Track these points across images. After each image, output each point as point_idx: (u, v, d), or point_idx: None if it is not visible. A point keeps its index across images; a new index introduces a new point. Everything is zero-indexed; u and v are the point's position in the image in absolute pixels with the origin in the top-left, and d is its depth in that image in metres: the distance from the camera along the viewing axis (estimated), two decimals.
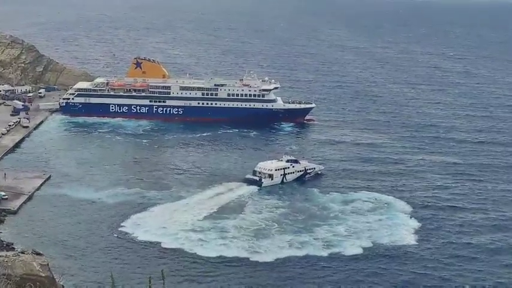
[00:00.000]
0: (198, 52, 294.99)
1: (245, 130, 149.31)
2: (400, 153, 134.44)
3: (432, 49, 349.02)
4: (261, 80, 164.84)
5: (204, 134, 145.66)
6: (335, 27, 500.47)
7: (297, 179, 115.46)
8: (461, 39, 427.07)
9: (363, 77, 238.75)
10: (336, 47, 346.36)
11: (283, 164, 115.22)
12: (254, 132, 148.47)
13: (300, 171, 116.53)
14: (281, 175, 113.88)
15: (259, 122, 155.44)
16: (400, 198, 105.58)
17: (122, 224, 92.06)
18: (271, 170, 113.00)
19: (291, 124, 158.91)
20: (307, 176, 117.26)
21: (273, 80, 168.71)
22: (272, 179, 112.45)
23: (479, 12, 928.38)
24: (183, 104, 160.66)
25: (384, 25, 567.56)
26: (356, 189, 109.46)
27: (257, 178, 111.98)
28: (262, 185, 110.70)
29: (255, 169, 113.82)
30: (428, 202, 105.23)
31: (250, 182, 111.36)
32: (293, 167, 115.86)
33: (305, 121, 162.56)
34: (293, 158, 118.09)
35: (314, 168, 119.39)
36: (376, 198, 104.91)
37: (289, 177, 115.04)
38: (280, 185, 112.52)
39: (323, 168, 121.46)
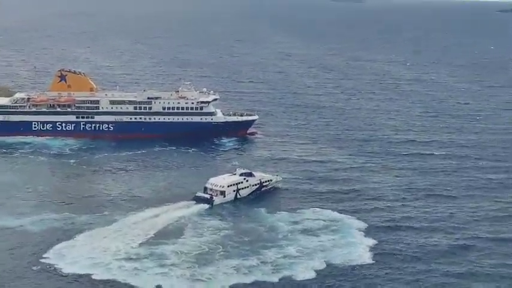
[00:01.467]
0: (130, 62, 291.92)
1: (183, 147, 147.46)
2: (351, 168, 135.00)
3: (381, 55, 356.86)
4: (198, 92, 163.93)
5: (139, 152, 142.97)
6: (278, 33, 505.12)
7: (253, 194, 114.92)
8: (412, 44, 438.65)
9: (309, 86, 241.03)
10: (280, 54, 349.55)
11: (236, 178, 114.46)
12: (193, 149, 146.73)
13: (255, 184, 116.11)
14: (234, 191, 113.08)
15: (198, 137, 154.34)
16: (353, 215, 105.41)
17: (44, 256, 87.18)
18: (223, 186, 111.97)
19: (233, 138, 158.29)
20: (264, 189, 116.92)
21: (211, 91, 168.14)
22: (224, 196, 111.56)
23: (430, 12, 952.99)
24: (114, 120, 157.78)
25: (330, 30, 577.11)
26: (306, 207, 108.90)
27: (208, 196, 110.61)
28: (214, 203, 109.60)
29: (206, 186, 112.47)
30: (384, 219, 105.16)
31: (200, 200, 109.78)
32: (247, 180, 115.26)
33: (248, 134, 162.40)
34: (247, 170, 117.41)
35: (271, 180, 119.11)
36: (328, 216, 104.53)
37: (244, 192, 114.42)
38: (233, 202, 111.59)
39: (281, 179, 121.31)
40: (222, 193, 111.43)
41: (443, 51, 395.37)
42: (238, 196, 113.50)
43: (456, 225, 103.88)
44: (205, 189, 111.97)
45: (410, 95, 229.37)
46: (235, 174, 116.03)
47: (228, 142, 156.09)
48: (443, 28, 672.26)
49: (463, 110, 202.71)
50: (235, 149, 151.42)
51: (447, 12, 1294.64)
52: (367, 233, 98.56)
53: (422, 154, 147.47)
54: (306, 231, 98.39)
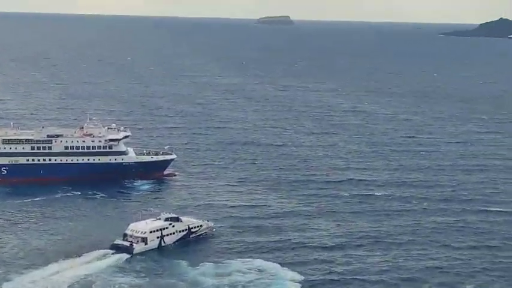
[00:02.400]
0: (26, 95, 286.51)
1: (90, 192, 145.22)
2: (284, 212, 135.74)
3: (314, 83, 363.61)
4: (106, 128, 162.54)
5: (37, 199, 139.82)
6: (198, 60, 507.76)
7: (180, 241, 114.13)
8: (347, 70, 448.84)
9: (234, 120, 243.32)
10: (201, 84, 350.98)
11: (160, 223, 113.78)
12: (101, 194, 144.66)
13: (183, 230, 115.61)
14: (158, 237, 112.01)
15: (107, 180, 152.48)
16: (287, 266, 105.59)
17: None
18: (144, 232, 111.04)
19: (148, 181, 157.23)
20: (193, 236, 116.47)
21: (122, 127, 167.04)
22: (146, 243, 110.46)
23: (367, 34, 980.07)
24: (7, 162, 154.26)
25: (257, 56, 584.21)
26: (234, 258, 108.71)
27: (127, 244, 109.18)
28: (134, 252, 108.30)
29: (126, 232, 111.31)
30: (322, 270, 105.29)
31: (117, 249, 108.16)
32: (173, 226, 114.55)
33: (165, 176, 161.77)
34: (173, 215, 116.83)
35: (201, 225, 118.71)
36: (258, 267, 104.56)
37: (169, 239, 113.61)
38: (157, 250, 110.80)
39: (213, 224, 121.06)
40: (144, 240, 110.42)
41: (383, 79, 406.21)
42: (163, 244, 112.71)
43: (404, 276, 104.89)
44: (124, 236, 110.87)
45: (348, 127, 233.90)
46: (159, 218, 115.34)
47: (142, 185, 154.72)
48: (381, 52, 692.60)
49: (406, 145, 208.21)
50: (150, 193, 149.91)
51: (386, 34, 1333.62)
52: (304, 286, 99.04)
53: (363, 195, 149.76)
54: (233, 286, 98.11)
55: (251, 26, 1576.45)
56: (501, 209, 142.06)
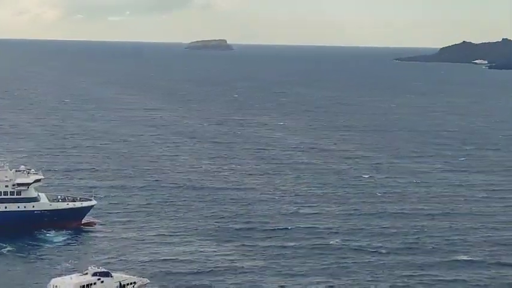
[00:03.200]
0: None
1: None
2: (222, 266, 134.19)
3: (257, 117, 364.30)
4: (14, 171, 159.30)
5: None
6: (126, 90, 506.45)
7: None
8: (293, 102, 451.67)
9: (165, 158, 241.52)
10: (126, 117, 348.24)
11: (87, 278, 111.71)
12: (9, 248, 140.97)
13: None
14: None
15: (15, 231, 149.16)
16: None
17: None
18: None
19: (63, 231, 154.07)
20: None
21: (33, 170, 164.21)
22: None
23: (314, 59, 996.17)
24: None
25: (190, 86, 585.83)
26: None
27: None
28: None
29: None
30: None
31: None
32: (102, 282, 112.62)
33: (83, 225, 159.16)
34: (102, 269, 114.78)
35: (134, 282, 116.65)
36: None
37: None
38: None
39: (148, 281, 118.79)
40: None
41: (333, 110, 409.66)
42: None
43: None
44: None
45: (296, 166, 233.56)
46: (86, 273, 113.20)
47: (57, 237, 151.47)
48: (330, 80, 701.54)
49: (362, 186, 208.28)
50: (66, 245, 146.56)
51: (334, 59, 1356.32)
52: None
53: (314, 245, 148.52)
54: None
55: (181, 51, 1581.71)
56: (469, 258, 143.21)
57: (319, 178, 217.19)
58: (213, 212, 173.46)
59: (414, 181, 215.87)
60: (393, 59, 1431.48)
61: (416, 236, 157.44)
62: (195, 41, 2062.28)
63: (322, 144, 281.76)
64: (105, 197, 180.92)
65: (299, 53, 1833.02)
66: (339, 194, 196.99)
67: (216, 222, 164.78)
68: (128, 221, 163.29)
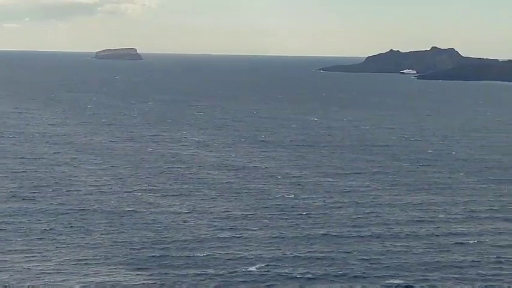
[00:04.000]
0: None
1: None
2: None
3: (171, 132, 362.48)
4: None
5: None
6: (18, 103, 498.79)
7: None
8: (211, 114, 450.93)
9: (72, 180, 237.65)
10: (27, 134, 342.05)
11: None
12: None
13: None
14: None
15: None
16: None
17: None
18: None
19: None
20: None
21: None
22: None
23: (227, 70, 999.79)
24: None
25: (98, 98, 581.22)
26: None
27: None
28: None
29: None
30: None
31: None
32: None
33: None
34: None
35: None
36: None
37: None
38: None
39: None
40: None
41: (255, 124, 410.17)
42: None
43: None
44: None
45: (216, 186, 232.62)
46: None
47: None
48: (251, 90, 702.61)
49: (288, 208, 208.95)
50: None
51: (257, 69, 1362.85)
52: None
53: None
54: None
55: (87, 61, 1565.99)
56: (402, 282, 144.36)
57: (240, 199, 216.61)
58: (124, 238, 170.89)
59: (342, 200, 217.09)
60: (317, 69, 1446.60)
61: (345, 260, 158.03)
62: (102, 50, 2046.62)
63: (242, 162, 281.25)
64: (1, 222, 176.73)
65: (216, 63, 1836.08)
66: (260, 215, 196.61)
67: (127, 248, 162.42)
68: (29, 249, 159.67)
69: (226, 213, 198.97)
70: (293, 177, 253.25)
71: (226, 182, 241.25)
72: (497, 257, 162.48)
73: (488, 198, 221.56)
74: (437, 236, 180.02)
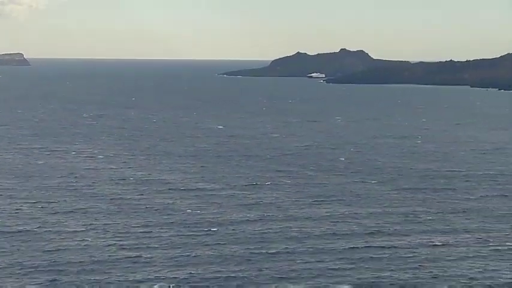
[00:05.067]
0: None
1: None
2: None
3: (61, 144, 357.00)
4: None
5: None
6: None
7: None
8: (105, 125, 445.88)
9: None
10: None
11: None
12: None
13: None
14: None
15: None
16: None
17: None
18: None
19: None
20: None
21: None
22: None
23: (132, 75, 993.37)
24: None
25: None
26: None
27: None
28: None
29: None
30: None
31: None
32: None
33: None
34: None
35: None
36: None
37: None
38: None
39: None
40: None
41: (155, 136, 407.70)
42: None
43: None
44: None
45: (111, 202, 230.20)
46: None
47: None
48: (153, 99, 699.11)
49: (193, 225, 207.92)
50: None
51: (157, 74, 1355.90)
52: None
53: None
54: None
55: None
56: None
57: (140, 216, 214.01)
58: (13, 260, 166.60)
59: (249, 215, 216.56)
60: (220, 74, 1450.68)
61: (256, 279, 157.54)
62: None
63: (143, 174, 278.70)
64: None
65: (113, 68, 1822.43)
66: (163, 232, 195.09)
67: (17, 272, 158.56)
68: None
69: (126, 230, 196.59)
70: (198, 190, 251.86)
71: (128, 198, 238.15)
72: (415, 269, 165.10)
73: (403, 208, 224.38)
74: (352, 249, 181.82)
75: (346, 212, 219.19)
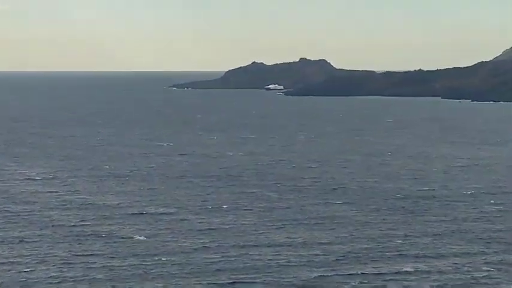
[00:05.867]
0: None
1: None
2: None
3: (12, 166, 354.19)
4: None
5: None
6: None
7: None
8: (62, 144, 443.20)
9: None
10: None
11: None
12: None
13: None
14: None
15: None
16: None
17: None
18: None
19: None
20: None
21: None
22: None
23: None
24: None
25: None
26: None
27: None
28: None
29: None
30: None
31: None
32: None
33: None
34: None
35: None
36: None
37: None
38: None
39: None
40: None
41: (98, 157, 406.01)
42: None
43: None
44: None
45: (59, 230, 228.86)
46: None
47: None
48: (102, 114, 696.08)
49: (135, 246, 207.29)
50: None
51: (105, 87, 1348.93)
52: None
53: None
54: None
55: None
56: None
57: (84, 244, 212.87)
58: None
59: (204, 242, 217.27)
60: (169, 86, 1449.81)
61: None
62: None
63: (84, 198, 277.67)
64: None
65: (52, 81, 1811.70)
66: (107, 264, 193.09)
67: None
68: None
69: (68, 261, 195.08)
70: (147, 214, 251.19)
71: (68, 224, 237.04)
72: None
73: (371, 232, 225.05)
74: (317, 278, 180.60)
75: (309, 237, 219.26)
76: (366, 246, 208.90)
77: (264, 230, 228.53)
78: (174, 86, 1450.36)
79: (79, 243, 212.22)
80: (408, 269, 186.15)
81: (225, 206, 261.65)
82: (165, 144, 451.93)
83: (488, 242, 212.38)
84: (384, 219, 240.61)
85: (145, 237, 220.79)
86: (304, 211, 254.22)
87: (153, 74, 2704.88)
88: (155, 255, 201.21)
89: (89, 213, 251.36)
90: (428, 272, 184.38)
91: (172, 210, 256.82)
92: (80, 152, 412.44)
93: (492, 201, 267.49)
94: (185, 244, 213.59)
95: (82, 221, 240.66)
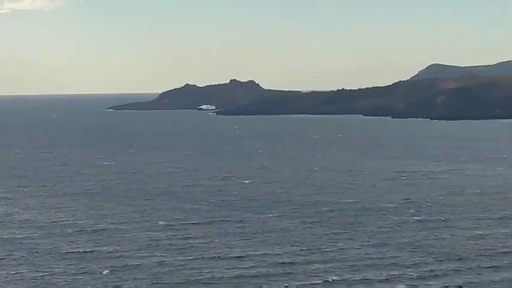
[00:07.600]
0: None
1: None
2: None
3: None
4: None
5: None
6: None
7: None
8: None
9: None
10: None
11: None
12: None
13: None
14: None
15: None
16: None
17: None
18: None
19: None
20: None
21: None
22: None
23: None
24: None
25: None
26: None
27: None
28: None
29: None
30: None
31: None
32: None
33: None
34: None
35: None
36: None
37: None
38: None
39: None
40: None
41: (40, 178, 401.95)
42: None
43: None
44: None
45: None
46: None
47: None
48: (37, 138, 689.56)
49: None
50: None
51: (35, 111, 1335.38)
52: None
53: None
54: None
55: None
56: None
57: (31, 261, 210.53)
58: None
59: (144, 253, 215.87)
60: (107, 108, 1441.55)
61: None
62: None
63: (31, 215, 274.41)
64: None
65: None
66: (58, 280, 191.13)
67: None
68: None
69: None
70: (87, 230, 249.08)
71: (14, 241, 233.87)
72: None
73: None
74: None
75: (245, 250, 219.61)
76: (293, 257, 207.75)
77: (200, 243, 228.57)
78: (111, 107, 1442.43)
79: (26, 263, 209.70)
80: (335, 278, 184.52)
81: (163, 221, 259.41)
82: (105, 163, 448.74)
83: (411, 251, 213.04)
84: (312, 231, 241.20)
85: (89, 249, 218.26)
86: (243, 223, 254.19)
87: (91, 96, 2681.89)
88: (103, 266, 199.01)
89: (33, 230, 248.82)
90: (358, 281, 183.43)
91: (111, 224, 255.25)
92: (17, 171, 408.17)
93: (412, 211, 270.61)
94: (124, 255, 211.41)
95: (28, 237, 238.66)
